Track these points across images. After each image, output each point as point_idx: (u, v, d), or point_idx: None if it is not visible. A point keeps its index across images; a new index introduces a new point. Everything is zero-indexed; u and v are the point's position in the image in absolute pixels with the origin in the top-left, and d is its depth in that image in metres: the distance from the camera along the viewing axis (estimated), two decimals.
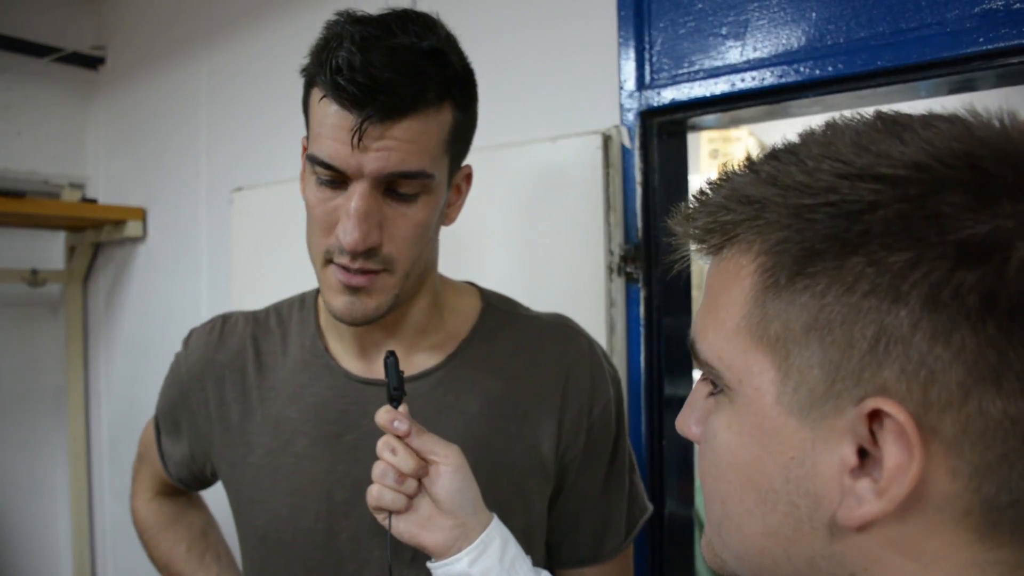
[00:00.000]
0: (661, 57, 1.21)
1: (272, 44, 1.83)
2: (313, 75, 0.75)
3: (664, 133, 1.24)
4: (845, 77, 1.03)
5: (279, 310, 0.96)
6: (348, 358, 0.89)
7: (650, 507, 1.00)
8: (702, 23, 1.16)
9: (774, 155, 0.45)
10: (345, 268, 0.76)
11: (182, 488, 1.05)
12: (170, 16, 2.13)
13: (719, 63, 1.15)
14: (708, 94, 1.15)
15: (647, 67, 1.22)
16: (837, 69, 1.03)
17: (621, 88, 1.24)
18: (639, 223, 1.22)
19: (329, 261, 0.77)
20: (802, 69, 1.06)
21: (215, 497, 1.11)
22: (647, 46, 1.22)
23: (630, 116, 1.23)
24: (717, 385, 0.47)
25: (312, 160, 0.74)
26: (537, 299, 1.26)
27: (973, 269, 0.36)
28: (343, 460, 0.85)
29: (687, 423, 0.52)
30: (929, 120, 0.41)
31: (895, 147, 0.39)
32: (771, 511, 0.43)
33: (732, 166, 0.47)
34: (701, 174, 3.09)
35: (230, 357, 0.93)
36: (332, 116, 0.72)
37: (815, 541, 0.42)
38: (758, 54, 1.11)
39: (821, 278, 0.39)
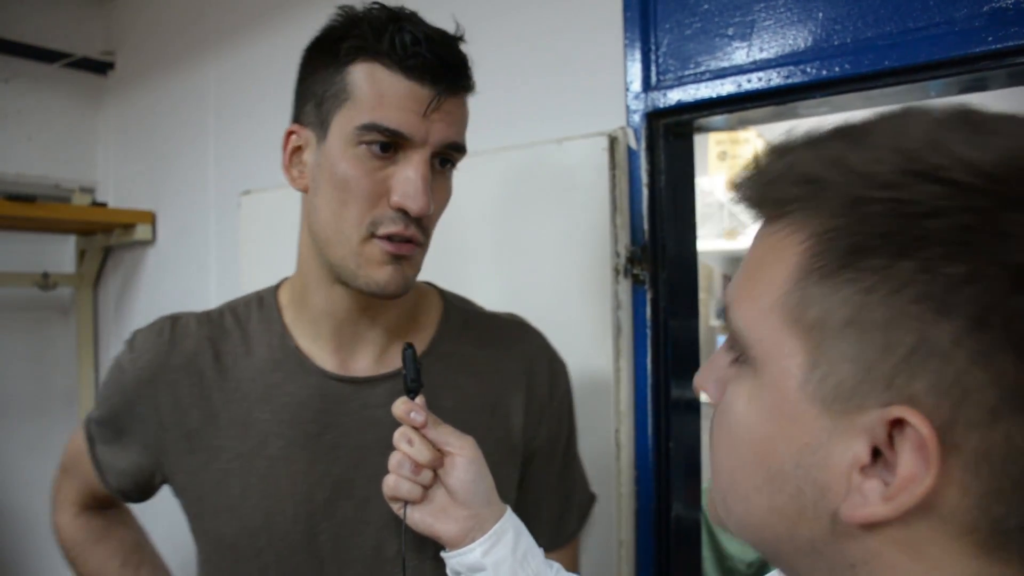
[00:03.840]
0: (667, 58, 1.20)
1: (280, 49, 1.84)
2: (359, 48, 0.76)
3: (670, 134, 1.24)
4: (852, 77, 1.02)
5: (234, 309, 0.93)
6: (323, 356, 0.87)
7: (596, 496, 1.06)
8: (708, 24, 1.16)
9: (842, 133, 0.43)
10: (390, 239, 0.77)
11: (119, 500, 0.99)
12: (179, 22, 2.14)
13: (725, 64, 1.14)
14: (714, 95, 1.14)
15: (653, 68, 1.22)
16: (844, 69, 1.02)
17: (627, 89, 1.24)
18: (645, 225, 1.22)
19: (372, 235, 0.77)
20: (809, 70, 1.05)
21: (153, 510, 1.05)
22: (653, 47, 1.22)
23: (636, 118, 1.23)
24: (743, 355, 0.46)
25: (373, 128, 0.75)
26: (544, 302, 1.26)
27: None
28: (322, 460, 0.84)
29: (707, 381, 0.51)
30: (1016, 127, 0.39)
31: (973, 151, 0.37)
32: (778, 491, 0.43)
33: (795, 136, 0.45)
34: (709, 176, 3.08)
35: (184, 360, 0.87)
36: (401, 87, 0.75)
37: (817, 528, 0.42)
38: (764, 55, 1.10)
39: (870, 275, 0.38)
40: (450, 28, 0.81)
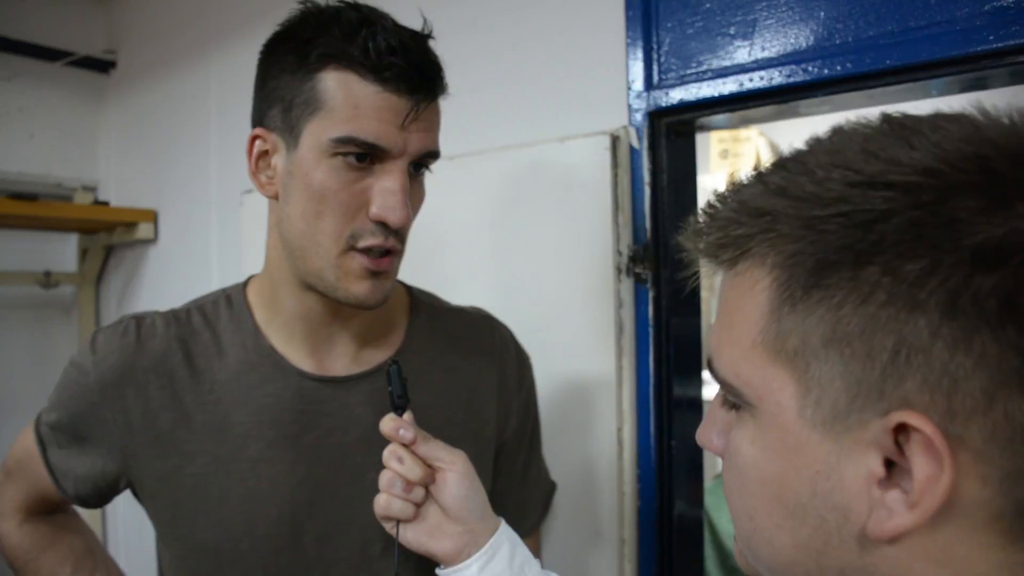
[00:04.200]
0: (669, 57, 1.20)
1: None
2: (330, 55, 0.73)
3: (672, 133, 1.24)
4: (854, 76, 1.02)
5: (202, 308, 0.89)
6: (299, 356, 0.85)
7: (556, 484, 1.07)
8: (710, 23, 1.16)
9: (782, 164, 0.44)
10: (368, 252, 0.75)
11: (73, 505, 0.95)
12: (180, 20, 2.14)
13: (727, 63, 1.14)
14: (716, 94, 1.15)
15: (655, 67, 1.22)
16: (846, 68, 1.02)
17: (629, 88, 1.24)
18: (647, 224, 1.22)
19: (351, 248, 0.76)
20: (811, 68, 1.05)
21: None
22: (655, 46, 1.22)
23: (638, 116, 1.23)
24: (737, 401, 0.46)
25: (349, 141, 0.73)
26: (546, 300, 1.27)
27: (990, 274, 0.35)
28: (303, 461, 0.83)
29: (708, 436, 0.52)
30: (937, 122, 0.40)
31: (904, 152, 0.39)
32: (800, 525, 0.43)
33: (738, 177, 0.46)
34: (711, 174, 3.08)
35: (153, 361, 0.84)
36: (377, 98, 0.73)
37: (845, 553, 0.42)
38: (766, 54, 1.10)
39: (837, 290, 0.39)
40: (441, 24, 0.80)
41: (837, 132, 0.44)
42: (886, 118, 0.43)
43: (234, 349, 0.86)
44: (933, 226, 0.37)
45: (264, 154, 0.81)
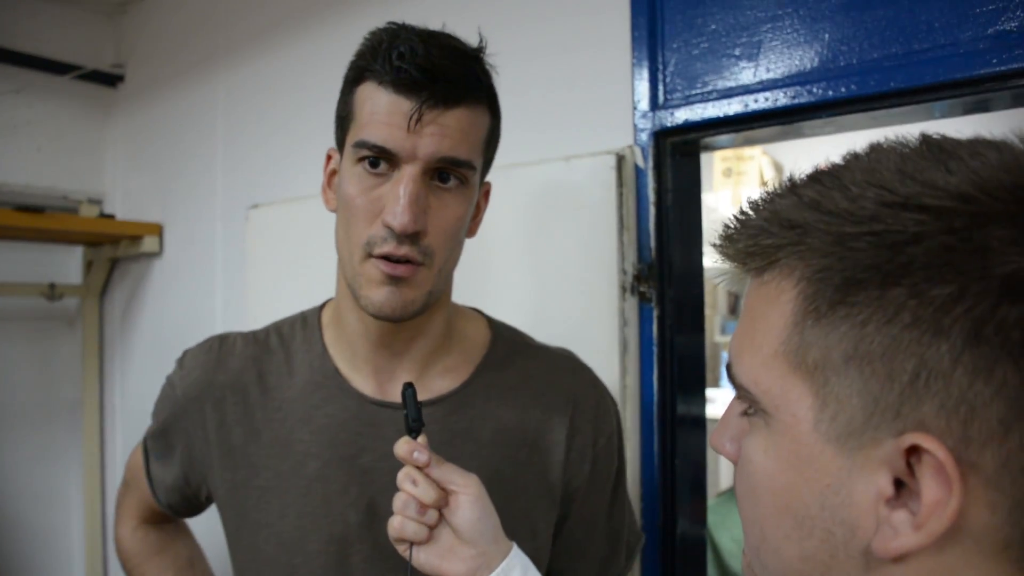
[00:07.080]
0: (675, 78, 1.21)
1: (288, 63, 1.85)
2: (364, 68, 0.77)
3: (677, 153, 1.25)
4: (858, 98, 1.03)
5: (279, 330, 0.94)
6: (360, 379, 0.88)
7: (643, 535, 1.02)
8: (715, 44, 1.17)
9: (817, 178, 0.44)
10: (387, 258, 0.76)
11: (170, 515, 1.02)
12: (188, 35, 2.16)
13: (732, 84, 1.15)
14: (721, 115, 1.15)
15: (660, 88, 1.23)
16: (850, 90, 1.03)
17: (635, 108, 1.24)
18: (652, 243, 1.22)
19: (369, 255, 0.76)
20: (815, 90, 1.06)
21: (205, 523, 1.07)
22: (660, 67, 1.22)
23: (644, 136, 1.23)
24: (753, 408, 0.46)
25: (362, 145, 0.75)
26: (551, 319, 1.27)
27: (1016, 304, 0.35)
28: (357, 482, 0.84)
29: (722, 441, 0.52)
30: (977, 148, 0.40)
31: (941, 176, 0.39)
32: (807, 537, 0.43)
33: (774, 186, 0.46)
34: (715, 192, 3.09)
35: (230, 378, 0.90)
36: (387, 102, 0.75)
37: (851, 569, 0.42)
38: (771, 75, 1.11)
39: (862, 308, 0.39)
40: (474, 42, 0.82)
41: (875, 149, 0.44)
42: (925, 139, 0.42)
43: (302, 369, 0.89)
44: (963, 252, 0.36)
45: (334, 172, 0.86)
